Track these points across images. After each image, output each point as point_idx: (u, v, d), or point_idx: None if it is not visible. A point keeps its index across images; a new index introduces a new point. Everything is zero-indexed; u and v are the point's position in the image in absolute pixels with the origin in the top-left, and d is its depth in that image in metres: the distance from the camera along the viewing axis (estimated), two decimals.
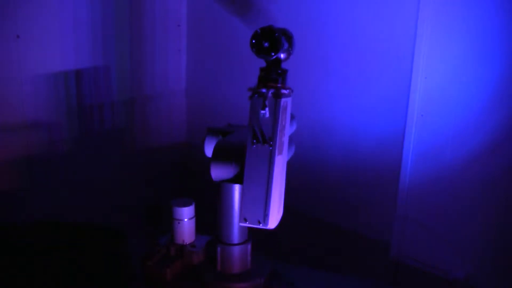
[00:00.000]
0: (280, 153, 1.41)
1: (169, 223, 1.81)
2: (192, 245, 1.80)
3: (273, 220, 1.40)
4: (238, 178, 1.47)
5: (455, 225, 1.95)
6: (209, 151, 1.62)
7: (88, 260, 2.18)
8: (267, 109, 1.36)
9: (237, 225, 1.70)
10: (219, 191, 1.69)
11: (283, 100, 1.39)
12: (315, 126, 2.27)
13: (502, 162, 1.80)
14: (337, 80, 2.21)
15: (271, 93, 1.38)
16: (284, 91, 1.40)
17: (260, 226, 1.38)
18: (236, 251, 1.72)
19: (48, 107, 2.26)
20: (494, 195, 1.84)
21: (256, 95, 1.39)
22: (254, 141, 1.38)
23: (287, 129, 1.45)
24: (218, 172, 1.51)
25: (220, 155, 1.51)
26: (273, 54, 1.34)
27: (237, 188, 1.67)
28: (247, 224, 1.39)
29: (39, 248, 2.20)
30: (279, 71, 1.41)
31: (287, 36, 1.44)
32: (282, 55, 1.42)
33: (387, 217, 2.11)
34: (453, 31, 1.83)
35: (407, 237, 2.08)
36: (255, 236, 1.78)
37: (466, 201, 1.91)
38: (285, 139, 1.45)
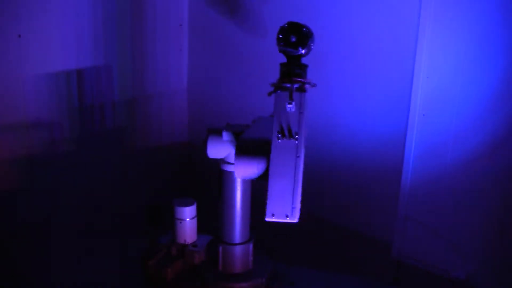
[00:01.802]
0: (303, 147, 1.42)
1: (170, 222, 1.81)
2: (193, 244, 1.80)
3: (299, 213, 1.42)
4: (263, 175, 1.46)
5: (455, 225, 1.95)
6: (212, 151, 1.62)
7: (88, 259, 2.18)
8: (293, 103, 1.37)
9: (238, 224, 1.71)
10: (221, 190, 1.70)
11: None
12: (317, 126, 2.27)
13: (502, 162, 1.80)
14: (338, 80, 2.21)
15: (296, 87, 1.39)
16: (307, 86, 1.41)
17: (287, 220, 1.39)
18: (238, 251, 1.72)
19: (50, 106, 2.26)
20: (495, 195, 1.84)
21: (278, 90, 1.40)
22: (280, 135, 1.39)
23: (306, 123, 1.46)
24: (244, 170, 1.48)
25: (245, 152, 1.48)
26: (300, 48, 1.37)
27: (239, 187, 1.67)
28: (274, 219, 1.40)
29: (38, 248, 2.20)
30: (302, 66, 1.43)
31: (310, 32, 1.45)
32: (303, 51, 1.43)
33: (389, 216, 2.11)
34: (455, 31, 1.84)
35: (408, 236, 2.08)
36: (257, 236, 1.79)
37: (466, 201, 1.91)
38: (305, 134, 1.46)
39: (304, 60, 1.45)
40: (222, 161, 1.65)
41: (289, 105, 1.37)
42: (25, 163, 2.22)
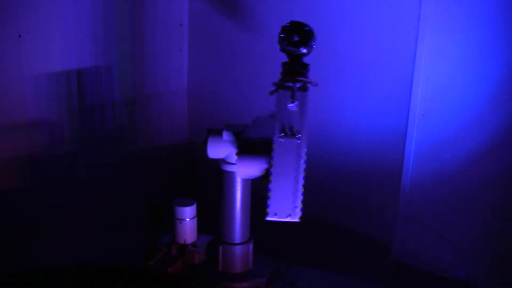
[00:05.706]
0: (305, 145, 1.42)
1: (171, 222, 1.81)
2: (193, 244, 1.80)
3: (300, 212, 1.42)
4: (265, 174, 1.47)
5: (456, 225, 1.95)
6: (212, 151, 1.62)
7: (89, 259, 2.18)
8: (295, 102, 1.38)
9: (238, 224, 1.71)
10: (221, 190, 1.70)
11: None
12: (316, 126, 2.27)
13: (502, 162, 1.80)
14: (338, 80, 2.21)
15: (298, 86, 1.40)
16: (309, 85, 1.42)
17: (289, 219, 1.39)
18: (238, 250, 1.72)
19: (50, 106, 2.25)
20: (495, 195, 1.84)
21: (280, 90, 1.41)
22: (282, 134, 1.39)
23: (308, 123, 1.46)
24: (245, 169, 1.49)
25: (247, 151, 1.49)
26: (302, 47, 1.38)
27: (239, 187, 1.67)
28: (276, 219, 1.40)
29: (38, 248, 2.20)
30: (304, 65, 1.44)
31: (312, 31, 1.46)
32: (305, 50, 1.44)
33: (389, 216, 2.11)
34: (454, 31, 1.84)
35: (408, 236, 2.08)
36: (256, 236, 1.79)
37: (466, 201, 1.91)
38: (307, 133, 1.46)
39: (304, 60, 1.46)
40: (222, 161, 1.65)
41: (291, 104, 1.37)
42: (26, 163, 2.22)
